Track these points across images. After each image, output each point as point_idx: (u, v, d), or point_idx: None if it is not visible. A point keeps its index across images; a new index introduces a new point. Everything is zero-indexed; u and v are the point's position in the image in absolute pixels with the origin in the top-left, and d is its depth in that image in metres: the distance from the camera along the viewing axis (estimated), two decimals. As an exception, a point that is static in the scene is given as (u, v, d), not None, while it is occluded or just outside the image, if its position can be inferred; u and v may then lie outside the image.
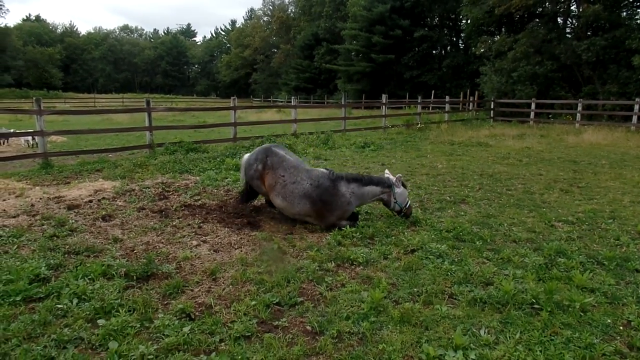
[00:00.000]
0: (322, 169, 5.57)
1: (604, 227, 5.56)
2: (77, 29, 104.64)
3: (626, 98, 21.31)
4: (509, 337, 2.98)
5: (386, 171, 5.88)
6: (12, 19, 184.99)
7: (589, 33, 25.18)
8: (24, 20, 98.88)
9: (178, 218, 5.76)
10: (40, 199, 6.65)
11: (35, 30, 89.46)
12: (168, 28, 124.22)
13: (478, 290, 3.65)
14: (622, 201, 6.91)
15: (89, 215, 5.82)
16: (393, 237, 4.99)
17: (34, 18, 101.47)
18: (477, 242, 4.86)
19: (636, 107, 18.92)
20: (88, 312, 3.20)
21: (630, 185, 8.14)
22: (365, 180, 5.46)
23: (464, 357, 2.72)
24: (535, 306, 3.39)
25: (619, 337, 3.04)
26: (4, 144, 13.89)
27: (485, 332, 3.03)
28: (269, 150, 5.69)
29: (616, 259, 4.39)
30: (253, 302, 3.43)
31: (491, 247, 4.75)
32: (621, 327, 3.16)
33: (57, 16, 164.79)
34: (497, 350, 2.81)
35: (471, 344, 2.87)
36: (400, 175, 5.68)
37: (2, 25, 70.21)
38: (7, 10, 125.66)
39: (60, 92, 67.14)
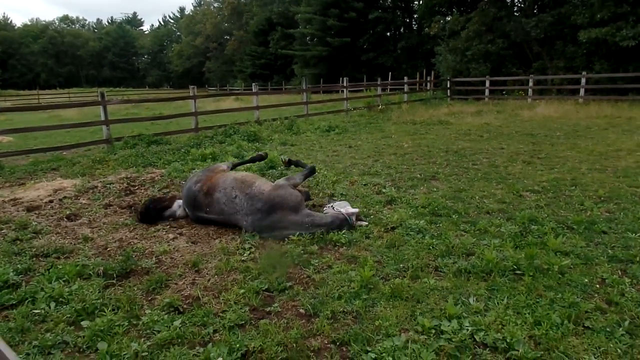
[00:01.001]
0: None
1: (567, 194, 5.83)
2: (11, 21, 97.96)
3: (573, 72, 22.36)
4: (498, 303, 3.08)
5: (332, 205, 4.87)
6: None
7: (535, 10, 26.14)
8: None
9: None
10: (-5, 202, 6.22)
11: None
12: (112, 17, 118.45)
13: (461, 262, 3.74)
14: (581, 169, 7.26)
15: (52, 216, 5.51)
16: (372, 217, 5.03)
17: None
18: (453, 216, 4.98)
19: (582, 80, 19.91)
20: (69, 315, 3.04)
21: (585, 153, 8.57)
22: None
23: (458, 325, 2.79)
24: (517, 272, 3.52)
25: (596, 295, 3.21)
26: (-57, 146, 12.87)
27: (474, 300, 3.11)
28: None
29: (583, 222, 4.62)
30: (242, 290, 3.37)
31: (467, 220, 4.88)
32: (597, 285, 3.34)
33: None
34: (489, 316, 2.90)
35: (463, 313, 2.95)
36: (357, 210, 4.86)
37: None
38: None
39: (-1, 89, 62.97)
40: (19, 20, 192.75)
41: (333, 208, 4.79)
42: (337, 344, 2.72)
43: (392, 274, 3.61)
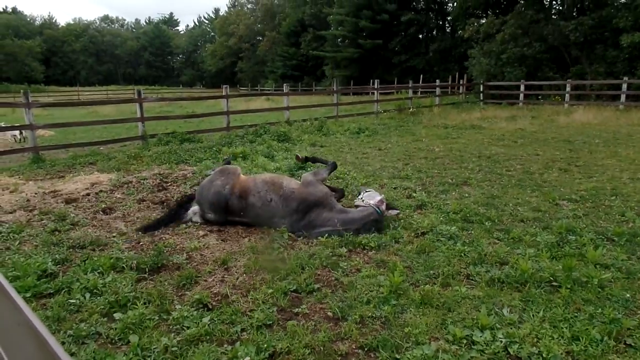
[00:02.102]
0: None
1: (607, 204, 5.59)
2: (56, 21, 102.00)
3: (614, 77, 21.50)
4: (533, 315, 2.97)
5: (362, 197, 4.92)
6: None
7: (574, 13, 25.29)
8: (0, 12, 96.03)
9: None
10: (36, 193, 6.48)
11: (12, 23, 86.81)
12: (150, 17, 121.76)
13: (494, 270, 3.64)
14: (621, 178, 6.96)
15: (89, 209, 5.69)
16: (402, 221, 4.95)
17: (10, 10, 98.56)
18: (486, 223, 4.86)
19: (624, 86, 19.12)
20: (103, 306, 3.12)
21: (626, 162, 8.21)
22: None
23: (491, 336, 2.70)
24: (554, 284, 3.39)
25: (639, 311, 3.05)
26: (-11, 139, 13.52)
27: (508, 312, 3.01)
28: None
29: (625, 234, 4.41)
30: (270, 290, 3.37)
31: (500, 228, 4.74)
32: (640, 301, 3.18)
33: (35, 7, 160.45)
34: (523, 328, 2.80)
35: (496, 324, 2.85)
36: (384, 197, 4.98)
37: (-23, 18, 68.02)
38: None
39: (43, 85, 65.59)
40: (63, 19, 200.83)
41: (362, 200, 4.82)
42: (365, 349, 2.68)
43: (422, 280, 3.54)
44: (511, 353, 2.58)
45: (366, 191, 5.00)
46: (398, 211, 4.97)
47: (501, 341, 2.66)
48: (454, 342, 2.68)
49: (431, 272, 3.68)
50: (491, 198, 5.91)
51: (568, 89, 21.10)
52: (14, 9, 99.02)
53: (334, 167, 5.61)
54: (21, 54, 73.67)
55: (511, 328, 2.81)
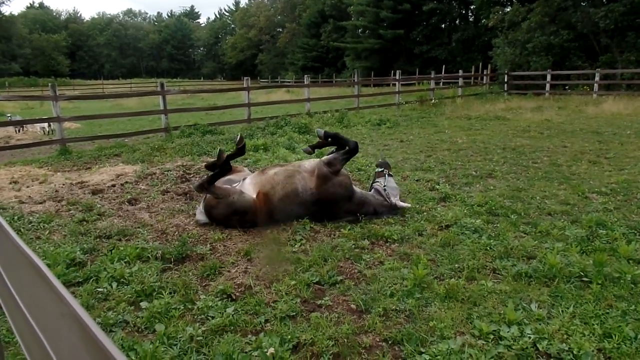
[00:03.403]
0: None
1: (640, 197, 5.40)
2: (80, 15, 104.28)
3: (646, 66, 20.71)
4: (562, 311, 2.89)
5: (385, 187, 5.01)
6: (16, 7, 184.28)
7: (604, 0, 24.38)
8: (27, 7, 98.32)
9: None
10: (64, 184, 6.63)
11: (39, 18, 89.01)
12: (172, 11, 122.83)
13: (521, 265, 3.55)
14: (655, 171, 6.71)
15: (115, 200, 5.80)
16: (425, 214, 4.89)
17: (37, 5, 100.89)
18: (512, 216, 4.75)
19: (657, 75, 18.38)
20: (129, 295, 3.17)
21: (660, 154, 7.91)
22: None
23: (519, 331, 2.64)
24: (585, 279, 3.29)
25: (675, 309, 2.94)
26: (19, 131, 13.92)
27: (536, 307, 2.94)
28: None
29: (659, 229, 4.26)
30: (293, 282, 3.38)
31: (527, 221, 4.63)
32: (676, 299, 3.06)
33: (60, 2, 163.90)
34: (552, 324, 2.73)
35: (524, 319, 2.79)
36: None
37: (7, 14, 69.83)
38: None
39: (68, 79, 67.09)
40: (87, 13, 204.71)
41: (385, 191, 4.91)
42: (389, 342, 2.66)
43: (447, 273, 3.49)
44: (540, 349, 2.51)
45: (388, 177, 5.08)
46: (409, 205, 5.01)
47: (529, 337, 2.59)
48: (480, 337, 2.64)
49: (456, 265, 3.62)
50: (517, 191, 5.78)
51: (597, 78, 20.41)
52: (41, 4, 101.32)
53: (353, 152, 4.90)
54: (48, 48, 75.54)
55: (540, 324, 2.75)
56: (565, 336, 2.61)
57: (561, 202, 5.26)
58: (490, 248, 3.93)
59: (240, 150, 4.80)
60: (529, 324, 2.75)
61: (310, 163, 4.88)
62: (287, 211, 4.63)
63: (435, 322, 2.79)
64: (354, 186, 4.92)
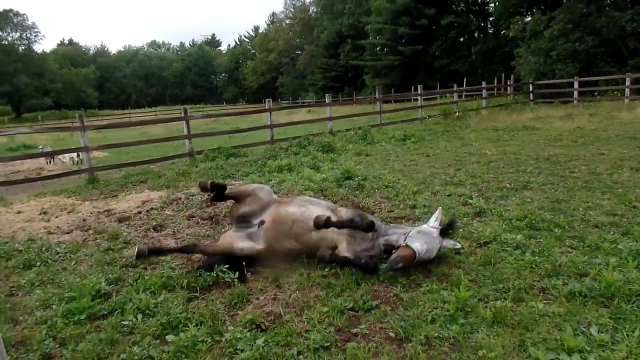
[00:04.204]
0: None
1: (694, 205, 5.00)
2: (107, 49, 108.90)
3: (679, 67, 19.92)
4: (627, 335, 2.59)
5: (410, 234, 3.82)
6: (48, 45, 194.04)
7: (629, 4, 23.75)
8: (58, 44, 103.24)
9: (229, 224, 5.58)
10: (91, 213, 6.65)
11: (69, 53, 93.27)
12: (193, 40, 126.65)
13: (573, 283, 3.26)
14: None
15: (140, 227, 5.74)
16: (460, 230, 4.62)
17: (67, 42, 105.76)
18: (555, 230, 4.43)
19: (693, 76, 17.62)
20: (155, 328, 3.03)
21: None
22: None
23: (582, 361, 2.36)
24: (648, 298, 2.97)
25: None
26: (50, 163, 14.29)
27: (597, 331, 2.65)
28: None
29: None
30: (325, 309, 3.17)
31: (572, 235, 4.31)
32: None
33: (89, 37, 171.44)
34: (618, 350, 2.43)
35: (585, 345, 2.50)
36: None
37: (39, 51, 73.40)
38: (43, 36, 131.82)
39: (97, 110, 69.56)
40: (114, 47, 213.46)
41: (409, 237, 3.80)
42: (435, 375, 2.42)
43: (492, 295, 3.22)
44: (608, 381, 2.23)
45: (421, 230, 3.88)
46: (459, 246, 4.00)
47: (594, 367, 2.31)
48: (537, 367, 2.37)
49: (500, 285, 3.35)
50: (557, 202, 5.44)
51: (628, 83, 19.71)
52: (70, 41, 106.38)
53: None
54: (78, 82, 78.80)
55: (603, 350, 2.46)
56: (635, 365, 2.32)
57: (607, 213, 4.91)
58: (536, 265, 3.64)
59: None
60: (592, 351, 2.46)
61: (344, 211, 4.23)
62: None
63: (484, 350, 2.53)
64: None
